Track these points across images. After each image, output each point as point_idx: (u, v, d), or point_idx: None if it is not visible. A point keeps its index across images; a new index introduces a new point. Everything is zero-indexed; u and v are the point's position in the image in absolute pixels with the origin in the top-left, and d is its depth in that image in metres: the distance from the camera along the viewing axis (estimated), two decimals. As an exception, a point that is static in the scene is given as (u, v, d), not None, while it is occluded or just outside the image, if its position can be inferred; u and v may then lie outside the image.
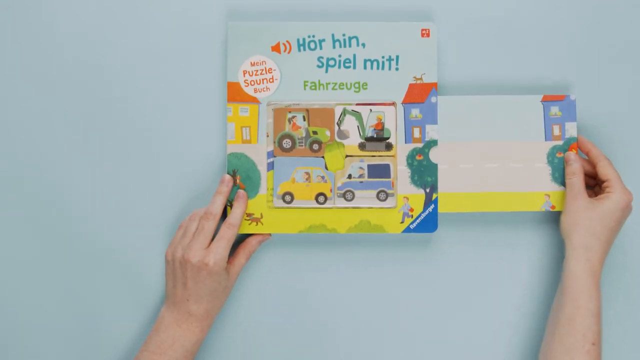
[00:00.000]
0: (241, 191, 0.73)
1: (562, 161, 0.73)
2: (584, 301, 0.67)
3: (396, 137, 0.74)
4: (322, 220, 0.73)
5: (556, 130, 0.73)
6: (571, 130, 0.73)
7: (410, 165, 0.73)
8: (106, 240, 0.76)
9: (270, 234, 0.75)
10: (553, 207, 0.73)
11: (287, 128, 0.74)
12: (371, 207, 0.73)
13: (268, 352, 0.75)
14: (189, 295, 0.69)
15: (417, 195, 0.73)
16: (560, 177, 0.73)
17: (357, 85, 0.74)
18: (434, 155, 0.73)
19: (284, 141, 0.74)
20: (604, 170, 0.71)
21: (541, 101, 0.73)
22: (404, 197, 0.73)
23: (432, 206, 0.73)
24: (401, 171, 0.73)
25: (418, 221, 0.73)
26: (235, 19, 0.75)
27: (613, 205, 0.69)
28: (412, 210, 0.73)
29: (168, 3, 0.76)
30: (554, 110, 0.73)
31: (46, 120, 0.76)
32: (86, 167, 0.76)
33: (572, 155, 0.72)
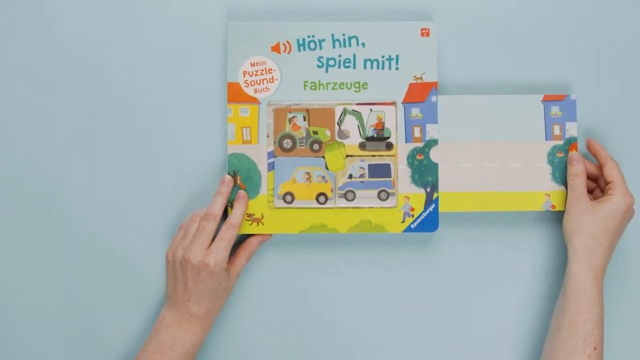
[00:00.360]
0: (242, 191, 0.73)
1: (562, 161, 0.73)
2: (586, 305, 0.67)
3: (396, 136, 0.74)
4: (322, 220, 0.73)
5: (557, 130, 0.73)
6: (571, 130, 0.73)
7: (410, 164, 0.73)
8: (106, 240, 0.75)
9: (270, 235, 0.75)
10: (553, 206, 0.73)
11: (288, 128, 0.74)
12: (372, 207, 0.73)
13: (268, 352, 0.75)
14: (190, 295, 0.68)
15: (418, 195, 0.73)
16: (561, 177, 0.73)
17: (357, 85, 0.73)
18: (434, 154, 0.73)
19: (285, 141, 0.74)
20: (610, 172, 0.70)
21: (542, 101, 0.73)
22: (405, 197, 0.73)
23: (433, 206, 0.73)
24: (402, 171, 0.73)
25: (419, 221, 0.73)
26: (235, 19, 0.75)
27: (614, 208, 0.68)
28: (412, 209, 0.73)
29: (168, 3, 0.76)
30: (555, 110, 0.73)
31: (46, 120, 0.76)
32: (86, 167, 0.76)
33: (575, 155, 0.72)
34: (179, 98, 0.75)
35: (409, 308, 0.76)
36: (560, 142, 0.73)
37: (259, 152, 0.73)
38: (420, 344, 0.76)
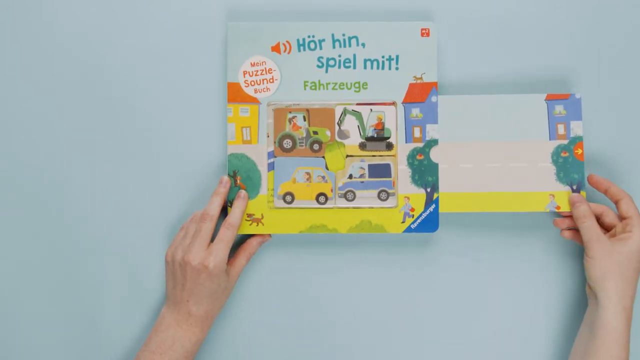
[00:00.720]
0: (242, 191, 0.72)
1: (567, 161, 0.73)
2: (617, 350, 0.66)
3: (396, 136, 0.73)
4: (322, 220, 0.73)
5: (561, 130, 0.73)
6: (576, 129, 0.73)
7: (411, 164, 0.73)
8: (106, 240, 0.75)
9: (270, 235, 0.75)
10: (558, 207, 0.72)
11: (288, 128, 0.74)
12: (372, 207, 0.73)
13: (268, 352, 0.75)
14: (189, 296, 0.68)
15: (418, 195, 0.73)
16: (566, 177, 0.73)
17: (357, 85, 0.73)
18: (434, 154, 0.73)
19: (285, 141, 0.74)
20: (626, 207, 0.69)
21: (545, 100, 0.73)
22: (405, 197, 0.73)
23: (433, 206, 0.73)
24: (402, 171, 0.73)
25: (419, 221, 0.73)
26: (235, 19, 0.75)
27: (637, 245, 0.67)
28: (413, 210, 0.73)
29: (168, 3, 0.76)
30: (559, 109, 0.73)
31: (46, 120, 0.75)
32: (86, 167, 0.75)
33: (576, 197, 0.71)
34: (179, 98, 0.75)
35: (409, 308, 0.76)
36: (565, 142, 0.73)
37: (259, 152, 0.73)
38: (420, 344, 0.75)
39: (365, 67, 0.73)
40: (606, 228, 0.72)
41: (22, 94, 0.75)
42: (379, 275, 0.75)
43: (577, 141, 0.73)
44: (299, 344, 0.75)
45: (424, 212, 0.73)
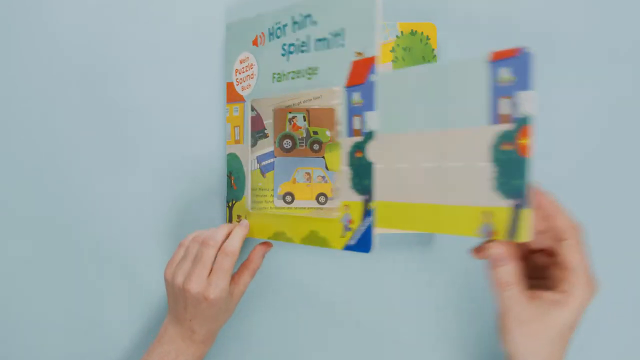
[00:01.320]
0: (244, 220, 0.69)
1: (510, 158, 0.44)
2: None
3: (336, 130, 0.59)
4: (282, 227, 0.65)
5: (504, 107, 0.44)
6: (526, 104, 0.43)
7: (351, 164, 0.58)
8: (105, 241, 0.75)
9: (271, 244, 0.70)
10: (494, 233, 0.44)
11: (288, 128, 0.69)
12: (316, 217, 0.61)
13: (266, 352, 0.73)
14: (192, 317, 0.66)
15: (357, 204, 0.57)
16: (506, 185, 0.44)
17: (310, 71, 0.62)
18: (370, 151, 0.55)
19: (285, 141, 0.69)
20: (570, 253, 0.46)
21: (488, 61, 0.45)
22: (345, 205, 0.58)
23: (369, 219, 0.55)
24: (343, 172, 0.58)
25: (358, 236, 0.57)
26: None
27: (574, 316, 0.48)
28: (351, 222, 0.57)
29: (168, 3, 0.74)
30: (504, 73, 0.44)
31: (46, 121, 0.75)
32: (86, 167, 0.75)
33: (496, 248, 0.47)
34: (179, 98, 0.73)
35: (406, 311, 0.70)
36: (510, 127, 0.44)
37: (245, 152, 0.70)
38: (419, 345, 0.69)
39: (316, 49, 0.61)
40: (552, 237, 0.46)
41: (22, 94, 0.75)
42: (378, 275, 0.70)
43: (522, 124, 0.43)
44: (298, 344, 0.72)
45: (361, 225, 0.56)
